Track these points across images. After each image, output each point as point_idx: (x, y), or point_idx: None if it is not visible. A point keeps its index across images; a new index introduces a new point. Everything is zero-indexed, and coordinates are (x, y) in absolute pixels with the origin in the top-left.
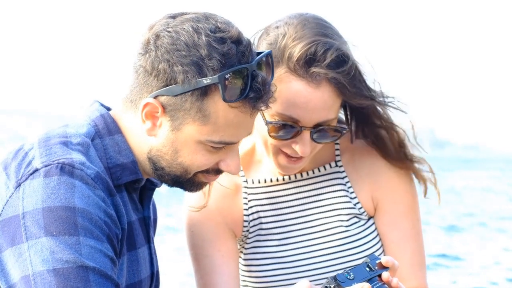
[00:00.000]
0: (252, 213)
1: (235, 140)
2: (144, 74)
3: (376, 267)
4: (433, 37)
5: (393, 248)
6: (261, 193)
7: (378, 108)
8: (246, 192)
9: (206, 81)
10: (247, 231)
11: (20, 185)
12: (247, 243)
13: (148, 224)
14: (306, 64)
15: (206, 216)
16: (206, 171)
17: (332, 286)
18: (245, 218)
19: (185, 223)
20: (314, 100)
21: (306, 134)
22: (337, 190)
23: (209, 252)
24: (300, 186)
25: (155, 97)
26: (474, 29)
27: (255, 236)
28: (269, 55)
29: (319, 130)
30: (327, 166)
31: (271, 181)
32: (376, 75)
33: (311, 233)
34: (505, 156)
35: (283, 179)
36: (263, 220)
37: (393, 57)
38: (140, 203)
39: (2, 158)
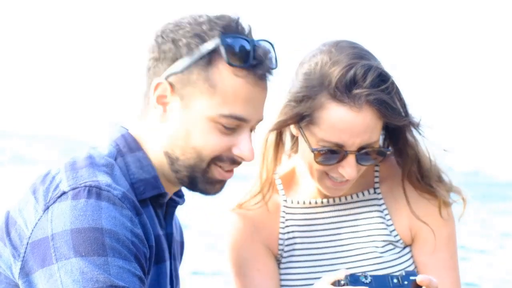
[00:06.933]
0: (288, 233)
1: (246, 115)
2: (153, 64)
3: (406, 282)
4: (434, 64)
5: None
6: (299, 213)
7: (409, 137)
8: (284, 211)
9: (209, 46)
10: (282, 250)
11: (48, 208)
12: (282, 263)
13: (170, 240)
14: (347, 88)
15: (245, 235)
16: (220, 159)
17: (343, 282)
18: (281, 236)
19: (226, 242)
20: (357, 124)
21: (351, 158)
22: (374, 217)
23: (248, 271)
24: (337, 210)
25: (165, 79)
26: (477, 62)
27: (289, 256)
28: (271, 44)
29: (363, 153)
30: (366, 193)
31: (310, 203)
32: (413, 97)
33: (344, 256)
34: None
35: (322, 202)
36: (298, 240)
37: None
38: (164, 220)
39: (30, 183)
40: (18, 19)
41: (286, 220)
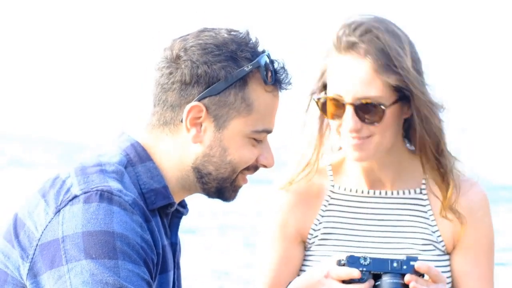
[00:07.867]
0: (328, 216)
1: (272, 127)
2: (180, 87)
3: (405, 267)
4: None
5: (472, 286)
6: (343, 200)
7: (425, 110)
8: (329, 196)
9: (247, 68)
10: (315, 230)
11: (59, 210)
12: (314, 245)
13: (174, 250)
14: (342, 39)
15: (279, 218)
16: (247, 169)
17: (342, 262)
18: (318, 218)
19: (263, 217)
20: (353, 74)
21: (349, 109)
22: (416, 216)
23: (269, 252)
24: (381, 203)
25: (199, 101)
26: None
27: (322, 239)
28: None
29: (359, 104)
30: (412, 191)
31: (356, 191)
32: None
33: (380, 248)
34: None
35: (368, 193)
36: (336, 225)
37: None
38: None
39: (38, 186)
40: (17, 19)
41: (329, 204)
